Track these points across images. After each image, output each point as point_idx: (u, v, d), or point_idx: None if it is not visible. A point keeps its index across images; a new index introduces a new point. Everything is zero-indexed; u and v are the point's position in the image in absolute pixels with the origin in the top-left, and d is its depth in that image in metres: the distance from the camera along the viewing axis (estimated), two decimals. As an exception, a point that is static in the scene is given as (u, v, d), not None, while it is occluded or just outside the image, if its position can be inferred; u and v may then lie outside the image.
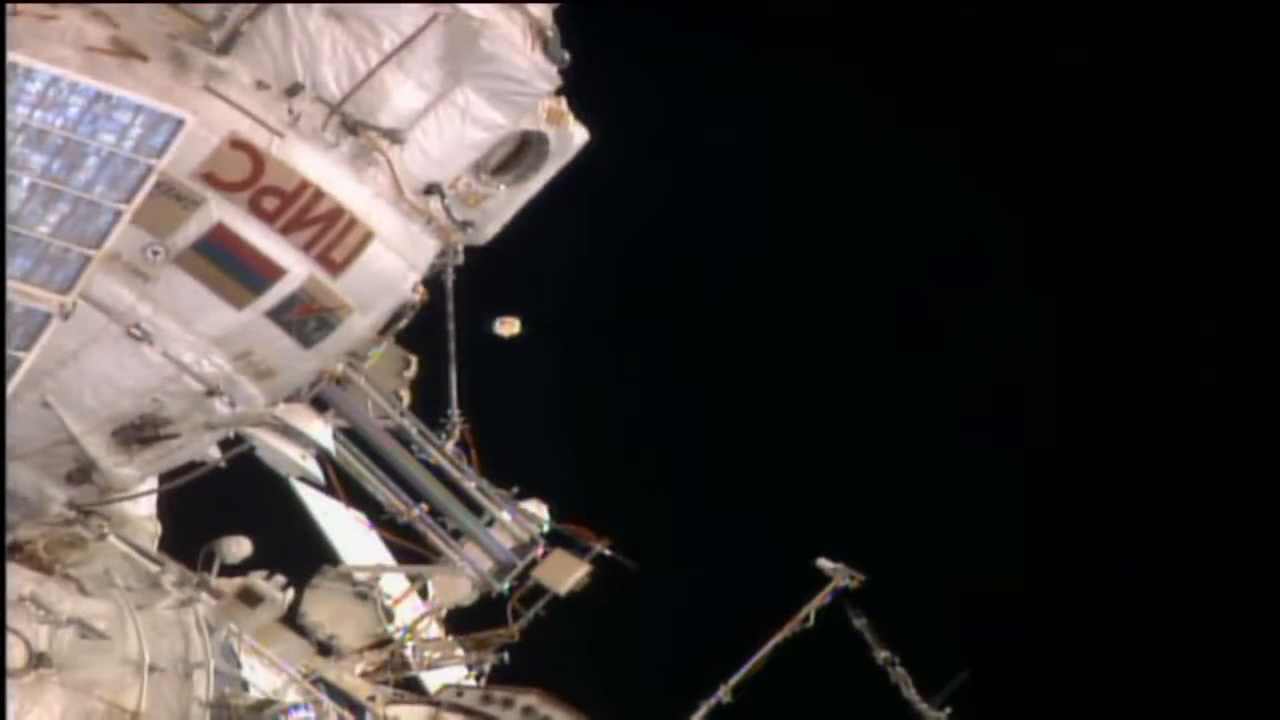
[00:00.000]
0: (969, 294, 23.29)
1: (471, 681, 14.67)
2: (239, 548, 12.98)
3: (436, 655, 14.95)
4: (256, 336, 11.70)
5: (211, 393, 11.73)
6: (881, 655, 14.45)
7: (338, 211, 11.47)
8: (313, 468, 12.28)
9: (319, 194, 11.40)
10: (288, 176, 11.33)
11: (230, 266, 11.43)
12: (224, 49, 11.27)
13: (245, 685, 12.24)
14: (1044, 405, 23.08)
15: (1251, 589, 21.93)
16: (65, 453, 11.90)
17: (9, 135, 10.22)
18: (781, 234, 22.69)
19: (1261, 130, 22.32)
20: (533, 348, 14.44)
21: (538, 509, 14.40)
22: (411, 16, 11.35)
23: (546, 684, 13.77)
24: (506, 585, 14.16)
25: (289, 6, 11.29)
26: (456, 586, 14.60)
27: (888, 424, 22.62)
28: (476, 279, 13.13)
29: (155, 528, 13.64)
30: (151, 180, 10.58)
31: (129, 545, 12.95)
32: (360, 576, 14.91)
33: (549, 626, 14.35)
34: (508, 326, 14.13)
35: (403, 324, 12.46)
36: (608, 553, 14.37)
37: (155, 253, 11.29)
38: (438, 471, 13.94)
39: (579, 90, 12.23)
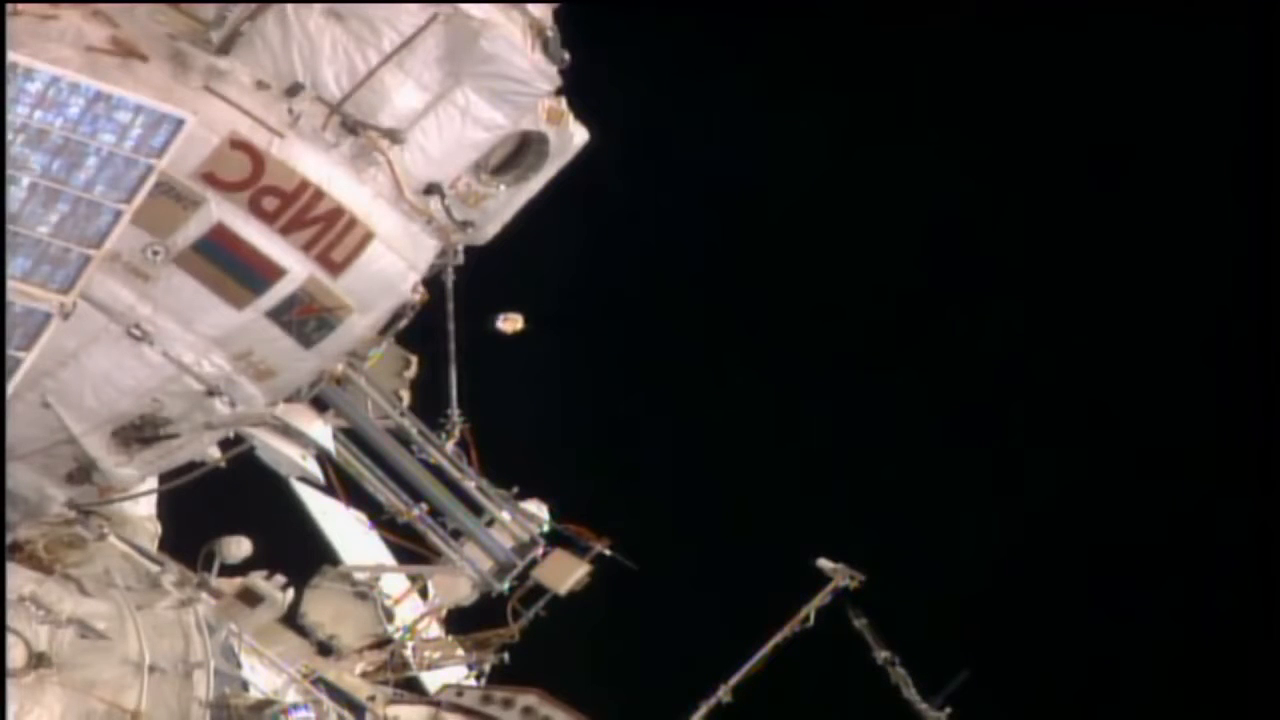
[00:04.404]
0: (968, 293, 23.29)
1: (471, 681, 14.67)
2: (239, 548, 12.98)
3: (436, 655, 14.95)
4: (256, 336, 11.69)
5: (211, 393, 11.73)
6: (881, 655, 14.45)
7: (338, 211, 11.47)
8: (313, 468, 12.28)
9: (319, 194, 11.40)
10: (288, 176, 11.33)
11: (230, 266, 11.43)
12: (224, 49, 11.27)
13: (245, 685, 12.25)
14: (1044, 405, 23.09)
15: (1253, 589, 21.94)
16: (65, 453, 11.89)
17: (9, 135, 10.22)
18: (781, 233, 22.70)
19: (1262, 128, 22.33)
20: (532, 348, 14.45)
21: (538, 509, 14.40)
22: (411, 16, 11.35)
23: (546, 684, 13.77)
24: (506, 585, 14.16)
25: (289, 6, 11.29)
26: (456, 586, 14.60)
27: (888, 424, 22.63)
28: (477, 279, 13.14)
29: (155, 528, 13.64)
30: (151, 180, 10.59)
31: (129, 545, 12.95)
32: (360, 576, 14.91)
33: (549, 626, 14.35)
34: (510, 323, 14.14)
35: (403, 324, 12.45)
36: (608, 553, 14.37)
37: (155, 253, 11.29)
38: (438, 471, 13.93)
39: (579, 90, 12.23)
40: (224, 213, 11.29)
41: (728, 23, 21.68)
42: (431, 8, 11.36)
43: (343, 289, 11.68)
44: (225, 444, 12.42)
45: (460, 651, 14.93)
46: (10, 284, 10.52)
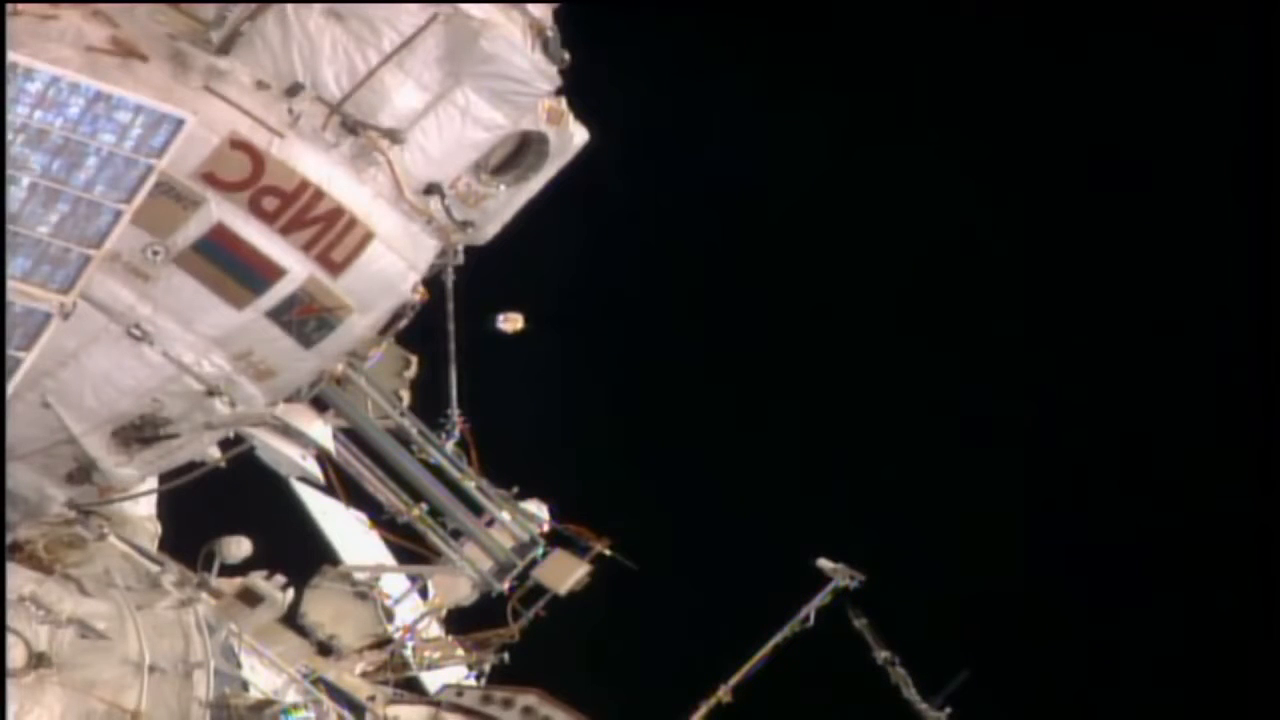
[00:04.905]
0: (969, 294, 23.29)
1: (471, 681, 14.67)
2: (239, 548, 12.97)
3: (436, 655, 14.95)
4: (256, 336, 11.69)
5: (211, 393, 11.72)
6: (881, 655, 14.46)
7: (338, 211, 11.47)
8: (313, 468, 12.28)
9: (319, 194, 11.40)
10: (288, 176, 11.33)
11: (230, 266, 11.42)
12: (224, 49, 11.27)
13: (245, 685, 12.25)
14: (1044, 405, 23.09)
15: (1251, 589, 21.94)
16: (65, 453, 11.89)
17: (9, 135, 10.22)
18: (781, 233, 22.70)
19: (1261, 128, 22.33)
20: (531, 349, 14.44)
21: (538, 509, 14.40)
22: (411, 16, 11.35)
23: (546, 684, 13.77)
24: (506, 585, 14.16)
25: (289, 6, 11.29)
26: (456, 586, 14.61)
27: (888, 424, 22.63)
28: (477, 279, 13.14)
29: (155, 528, 13.64)
30: (151, 180, 10.59)
31: (129, 545, 12.95)
32: (360, 576, 14.91)
33: (549, 626, 14.35)
34: (511, 323, 14.13)
35: (403, 324, 12.45)
36: (608, 553, 14.37)
37: (155, 253, 11.29)
38: (438, 471, 13.94)
39: (579, 90, 12.23)
40: (224, 213, 11.29)
41: (728, 23, 21.67)
42: (431, 8, 11.36)
43: (343, 289, 11.68)
44: (225, 444, 12.41)
45: (460, 651, 14.93)
46: (10, 284, 10.52)
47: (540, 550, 14.17)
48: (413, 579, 15.12)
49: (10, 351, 10.69)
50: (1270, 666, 21.19)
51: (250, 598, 12.56)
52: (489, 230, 12.51)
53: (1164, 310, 23.00)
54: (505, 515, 14.15)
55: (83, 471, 12.00)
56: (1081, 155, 23.01)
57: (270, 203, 11.32)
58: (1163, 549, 22.26)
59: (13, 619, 11.36)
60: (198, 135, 10.88)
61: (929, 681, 14.47)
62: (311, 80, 11.33)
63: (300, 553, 14.88)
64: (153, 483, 12.93)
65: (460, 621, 15.11)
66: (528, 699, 13.59)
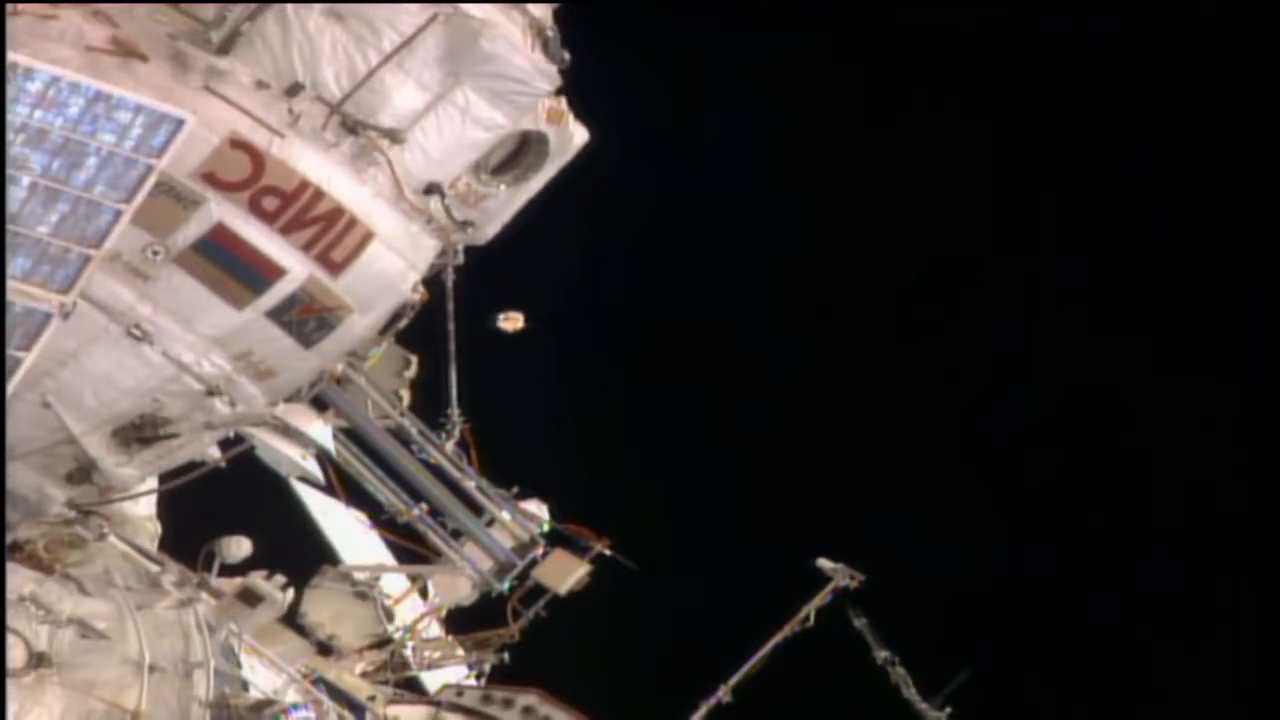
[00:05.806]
0: (968, 293, 23.30)
1: (471, 681, 14.67)
2: (239, 548, 12.99)
3: (436, 655, 14.95)
4: (256, 336, 11.70)
5: (211, 393, 11.74)
6: (881, 655, 14.46)
7: (338, 211, 11.48)
8: (313, 468, 12.28)
9: (319, 194, 11.40)
10: (288, 176, 11.33)
11: (230, 266, 11.43)
12: (224, 49, 11.29)
13: (245, 685, 12.24)
14: (1045, 406, 23.09)
15: (1248, 587, 21.94)
16: (65, 453, 11.90)
17: (9, 135, 10.22)
18: (780, 233, 22.70)
19: (1262, 127, 22.33)
20: (531, 349, 14.44)
21: (538, 509, 14.40)
22: (411, 16, 11.36)
23: (546, 684, 13.77)
24: (506, 585, 14.17)
25: (289, 6, 11.30)
26: (456, 586, 14.60)
27: (888, 423, 22.63)
28: (477, 279, 13.14)
29: (155, 528, 13.65)
30: (151, 180, 10.59)
31: (129, 545, 12.95)
32: (360, 576, 14.91)
33: (549, 626, 14.35)
34: (511, 322, 14.14)
35: (403, 324, 12.46)
36: (608, 553, 14.37)
37: (155, 253, 11.30)
38: (438, 471, 13.94)
39: (579, 90, 12.23)
40: (224, 212, 11.30)
41: (728, 23, 21.68)
42: (431, 8, 11.38)
43: (343, 289, 11.69)
44: (225, 444, 12.42)
45: (460, 651, 14.94)
46: (10, 284, 10.52)
47: (540, 550, 14.17)
48: (413, 579, 15.12)
49: (10, 351, 10.70)
50: (1271, 667, 21.20)
51: (250, 598, 12.55)
52: (489, 230, 12.53)
53: (1166, 309, 23.00)
54: (505, 515, 14.15)
55: (83, 471, 12.00)
56: (1082, 155, 23.01)
57: (270, 202, 11.33)
58: (1164, 549, 22.26)
59: (13, 619, 11.36)
60: (198, 135, 10.89)
61: (929, 681, 14.47)
62: (311, 80, 11.35)
63: (300, 553, 14.88)
64: (153, 483, 12.93)
65: (460, 621, 15.11)
66: (528, 699, 13.59)
